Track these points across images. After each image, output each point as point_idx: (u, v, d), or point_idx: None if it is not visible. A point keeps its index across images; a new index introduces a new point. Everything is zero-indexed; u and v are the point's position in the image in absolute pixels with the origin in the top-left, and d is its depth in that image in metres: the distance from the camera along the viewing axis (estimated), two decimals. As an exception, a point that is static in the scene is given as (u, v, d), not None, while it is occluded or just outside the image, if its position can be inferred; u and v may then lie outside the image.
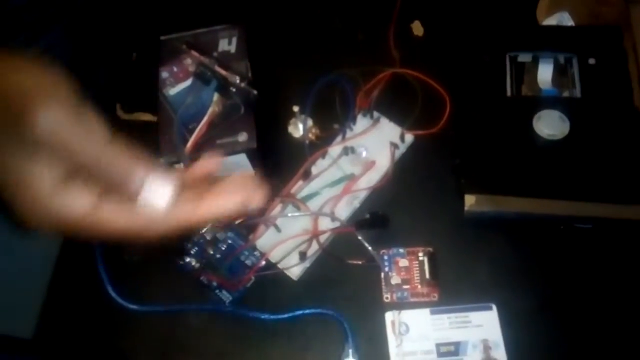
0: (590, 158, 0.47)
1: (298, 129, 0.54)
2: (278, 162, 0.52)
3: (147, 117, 0.55)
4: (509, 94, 0.51)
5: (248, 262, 0.48)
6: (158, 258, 0.49)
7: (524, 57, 0.53)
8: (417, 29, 0.59)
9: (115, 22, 0.59)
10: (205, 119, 0.46)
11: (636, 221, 0.45)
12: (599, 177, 0.46)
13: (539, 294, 0.46)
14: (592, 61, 0.51)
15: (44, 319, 0.48)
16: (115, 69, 0.59)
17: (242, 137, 0.47)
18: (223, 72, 0.47)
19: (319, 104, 0.53)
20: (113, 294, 0.47)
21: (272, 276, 0.47)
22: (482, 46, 0.53)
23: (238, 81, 0.47)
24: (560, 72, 0.53)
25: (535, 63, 0.53)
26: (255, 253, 0.48)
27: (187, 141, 0.46)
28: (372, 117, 0.53)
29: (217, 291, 0.47)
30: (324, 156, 0.51)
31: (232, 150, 0.47)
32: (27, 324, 0.48)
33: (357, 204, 0.50)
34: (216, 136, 0.47)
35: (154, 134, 0.48)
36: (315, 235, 0.47)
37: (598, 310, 0.45)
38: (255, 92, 0.47)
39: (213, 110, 0.46)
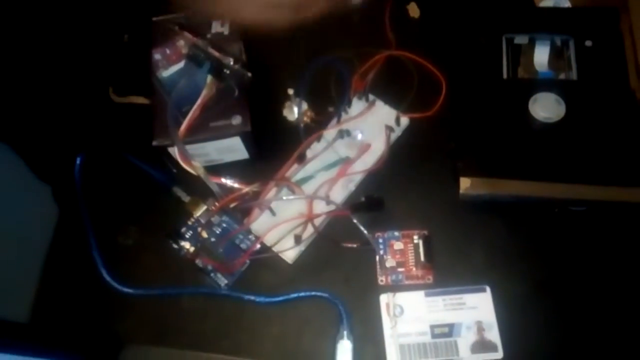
0: (585, 140, 0.47)
1: (292, 111, 0.53)
2: (272, 145, 0.51)
3: (140, 99, 0.54)
4: (504, 76, 0.51)
5: (243, 246, 0.48)
6: (152, 241, 0.49)
7: (520, 39, 0.53)
8: (413, 10, 0.58)
9: (106, 3, 0.58)
10: (199, 101, 0.46)
11: (630, 203, 0.45)
12: (594, 160, 0.46)
13: (533, 276, 0.46)
14: (588, 43, 0.51)
15: (39, 303, 0.48)
16: (107, 51, 0.58)
17: (236, 120, 0.47)
18: (216, 54, 0.46)
19: (313, 86, 0.52)
20: (107, 278, 0.47)
21: (266, 259, 0.47)
22: (478, 28, 0.53)
23: (231, 63, 0.46)
24: (557, 54, 0.52)
25: (531, 45, 0.53)
26: (250, 236, 0.48)
27: (180, 124, 0.45)
28: (367, 99, 0.52)
29: (212, 274, 0.47)
30: (318, 139, 0.51)
31: (225, 133, 0.47)
32: (22, 309, 0.48)
33: (352, 186, 0.49)
34: (210, 119, 0.47)
35: (147, 117, 0.48)
36: (310, 218, 0.46)
37: (592, 293, 0.45)
38: (249, 74, 0.47)
39: (206, 92, 0.46)
